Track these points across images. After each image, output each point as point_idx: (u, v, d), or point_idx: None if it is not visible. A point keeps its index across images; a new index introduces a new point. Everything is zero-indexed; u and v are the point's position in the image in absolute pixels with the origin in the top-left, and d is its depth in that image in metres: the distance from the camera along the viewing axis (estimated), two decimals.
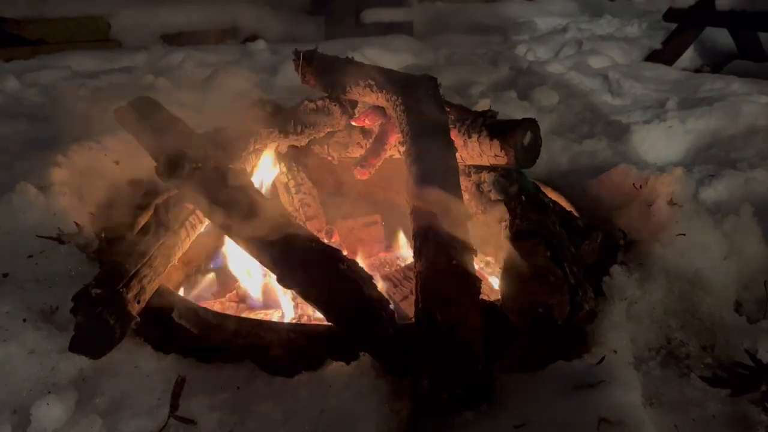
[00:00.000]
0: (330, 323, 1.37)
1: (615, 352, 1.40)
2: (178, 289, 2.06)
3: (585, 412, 1.15)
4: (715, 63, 4.77)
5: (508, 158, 1.68)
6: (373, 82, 1.95)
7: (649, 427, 1.13)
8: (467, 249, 1.36)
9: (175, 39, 5.49)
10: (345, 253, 1.45)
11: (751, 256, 1.73)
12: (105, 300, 1.33)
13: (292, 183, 2.17)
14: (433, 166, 1.55)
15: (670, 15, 4.85)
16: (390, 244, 2.34)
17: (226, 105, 2.42)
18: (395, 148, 2.01)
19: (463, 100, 3.34)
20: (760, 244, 1.76)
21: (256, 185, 1.76)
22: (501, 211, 1.60)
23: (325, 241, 1.87)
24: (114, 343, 1.36)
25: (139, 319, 1.42)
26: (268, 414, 1.27)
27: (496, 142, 1.70)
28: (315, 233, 1.94)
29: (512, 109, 3.25)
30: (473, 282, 1.32)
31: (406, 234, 2.23)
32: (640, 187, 1.91)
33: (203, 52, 4.92)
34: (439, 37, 5.94)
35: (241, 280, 1.99)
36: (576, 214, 1.86)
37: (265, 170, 2.08)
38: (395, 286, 1.84)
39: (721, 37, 4.86)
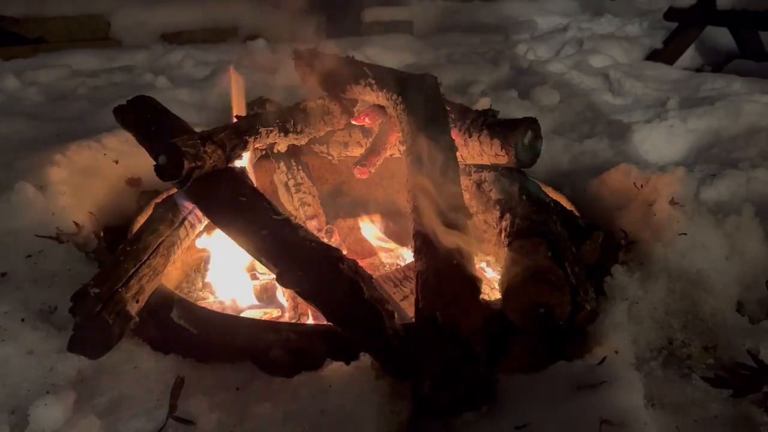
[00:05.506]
0: (330, 323, 1.37)
1: (616, 352, 1.40)
2: (177, 288, 2.06)
3: (586, 413, 1.14)
4: (716, 62, 4.76)
5: (509, 157, 1.68)
6: (373, 81, 1.95)
7: (650, 428, 1.13)
8: (468, 248, 1.35)
9: (174, 38, 5.47)
10: (345, 252, 1.44)
11: (752, 256, 1.72)
12: (104, 300, 1.32)
13: (291, 182, 2.16)
14: (434, 165, 1.54)
15: (671, 14, 4.84)
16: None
17: (225, 104, 2.42)
18: (395, 147, 2.00)
19: (464, 99, 3.33)
20: (762, 244, 1.75)
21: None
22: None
23: (326, 240, 1.87)
24: (113, 343, 1.36)
25: (138, 319, 1.41)
26: (268, 414, 1.26)
27: (496, 141, 1.69)
28: (315, 233, 1.93)
29: (513, 109, 3.24)
30: (474, 282, 1.31)
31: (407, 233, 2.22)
32: (642, 186, 1.91)
33: (203, 51, 4.90)
34: (440, 36, 5.93)
35: (241, 280, 1.98)
36: (577, 213, 1.86)
37: None
38: (395, 286, 1.83)
39: (722, 36, 4.84)
